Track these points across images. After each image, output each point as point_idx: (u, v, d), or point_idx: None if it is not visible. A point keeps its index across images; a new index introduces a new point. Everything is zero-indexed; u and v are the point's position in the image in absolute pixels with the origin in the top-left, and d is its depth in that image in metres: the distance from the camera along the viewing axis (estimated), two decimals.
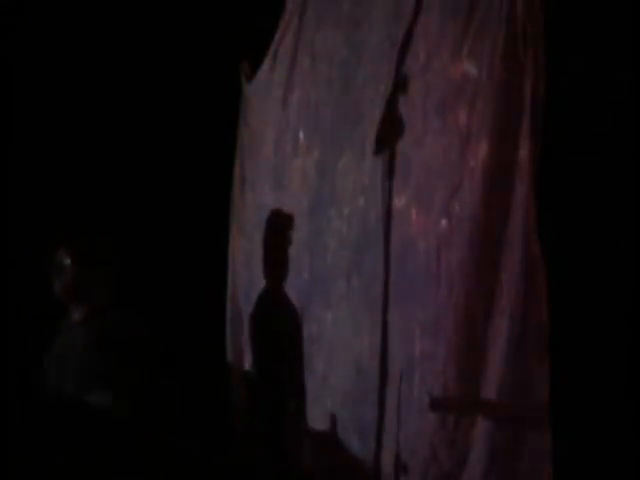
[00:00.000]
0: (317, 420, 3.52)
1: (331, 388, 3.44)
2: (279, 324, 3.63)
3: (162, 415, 3.20)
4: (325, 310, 3.51)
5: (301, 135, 3.94)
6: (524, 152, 2.26)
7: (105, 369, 3.15)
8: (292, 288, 3.73)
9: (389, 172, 2.85)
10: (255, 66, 4.75)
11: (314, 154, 3.79)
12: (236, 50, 4.80)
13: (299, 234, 3.73)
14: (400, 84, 2.80)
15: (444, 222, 2.55)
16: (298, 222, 3.77)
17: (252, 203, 4.69)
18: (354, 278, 3.26)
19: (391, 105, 2.80)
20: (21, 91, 4.76)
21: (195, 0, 4.93)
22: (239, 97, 4.97)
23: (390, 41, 3.00)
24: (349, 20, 3.50)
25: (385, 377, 2.85)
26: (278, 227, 3.71)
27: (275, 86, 4.39)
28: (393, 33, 2.96)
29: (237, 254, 4.88)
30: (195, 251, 4.89)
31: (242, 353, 4.55)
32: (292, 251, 3.74)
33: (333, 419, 3.39)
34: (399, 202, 2.86)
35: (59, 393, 3.22)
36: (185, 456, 3.73)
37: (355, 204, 3.29)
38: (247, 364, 4.35)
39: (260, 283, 3.96)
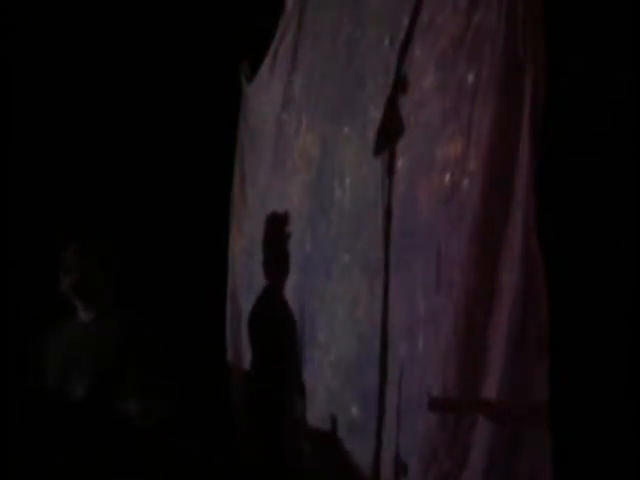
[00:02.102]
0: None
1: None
2: (279, 324, 3.63)
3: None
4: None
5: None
6: (524, 152, 2.25)
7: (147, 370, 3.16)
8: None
9: (389, 170, 2.85)
10: (255, 66, 4.76)
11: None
12: (236, 50, 4.80)
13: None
14: (400, 83, 2.80)
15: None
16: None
17: (252, 202, 4.69)
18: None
19: (391, 103, 2.80)
20: (21, 91, 4.76)
21: (195, 0, 4.93)
22: (239, 97, 4.98)
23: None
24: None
25: (385, 374, 2.84)
26: (276, 226, 3.71)
27: (275, 86, 4.39)
28: (394, 24, 2.97)
29: (237, 254, 4.88)
30: (195, 251, 4.89)
31: (242, 353, 4.55)
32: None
33: (333, 419, 3.39)
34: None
35: (63, 393, 3.22)
36: (185, 456, 3.73)
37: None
38: (247, 364, 4.35)
39: (260, 283, 3.96)
